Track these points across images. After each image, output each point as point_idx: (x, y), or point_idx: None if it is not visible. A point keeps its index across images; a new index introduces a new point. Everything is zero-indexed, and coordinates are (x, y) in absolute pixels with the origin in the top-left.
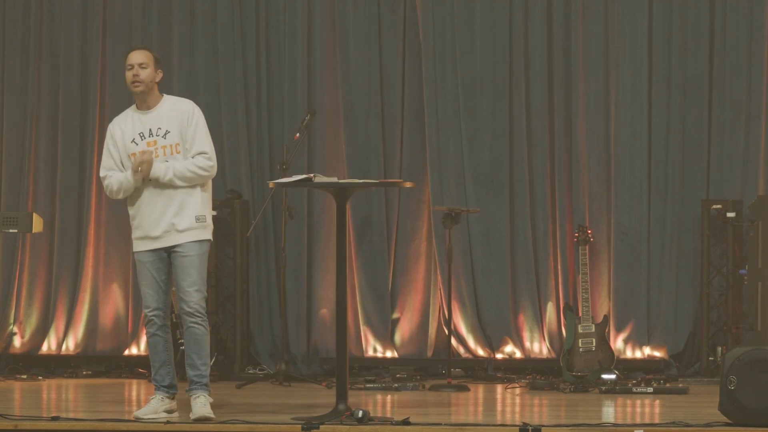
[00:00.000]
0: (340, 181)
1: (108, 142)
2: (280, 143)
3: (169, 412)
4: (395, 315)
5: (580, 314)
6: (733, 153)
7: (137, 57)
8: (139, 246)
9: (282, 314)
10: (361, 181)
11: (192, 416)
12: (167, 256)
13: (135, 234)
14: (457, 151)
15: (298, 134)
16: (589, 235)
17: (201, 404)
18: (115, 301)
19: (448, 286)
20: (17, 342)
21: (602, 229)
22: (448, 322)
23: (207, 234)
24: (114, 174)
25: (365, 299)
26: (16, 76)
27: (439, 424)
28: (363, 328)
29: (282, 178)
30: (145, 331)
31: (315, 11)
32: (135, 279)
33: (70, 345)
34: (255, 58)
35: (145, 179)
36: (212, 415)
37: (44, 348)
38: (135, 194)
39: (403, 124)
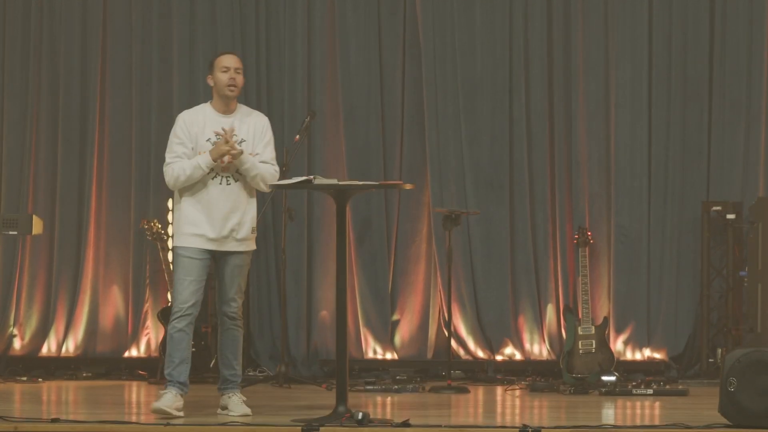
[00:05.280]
0: (340, 183)
1: (179, 131)
2: (280, 145)
3: (178, 410)
4: (395, 317)
5: (580, 316)
6: (733, 154)
7: (234, 61)
8: (191, 242)
9: (282, 316)
10: (361, 183)
11: (233, 413)
12: (213, 258)
13: (188, 229)
14: (457, 152)
15: (298, 136)
16: (589, 237)
17: (238, 402)
18: (115, 303)
19: (448, 288)
20: (17, 344)
21: (602, 230)
22: (448, 323)
23: (254, 244)
24: (180, 161)
25: (365, 301)
26: (16, 77)
27: (439, 426)
28: (363, 330)
29: (282, 180)
30: (167, 327)
31: (315, 13)
32: (135, 280)
33: (70, 347)
34: (255, 59)
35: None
36: (250, 412)
37: (44, 350)
38: (202, 191)
39: (403, 126)
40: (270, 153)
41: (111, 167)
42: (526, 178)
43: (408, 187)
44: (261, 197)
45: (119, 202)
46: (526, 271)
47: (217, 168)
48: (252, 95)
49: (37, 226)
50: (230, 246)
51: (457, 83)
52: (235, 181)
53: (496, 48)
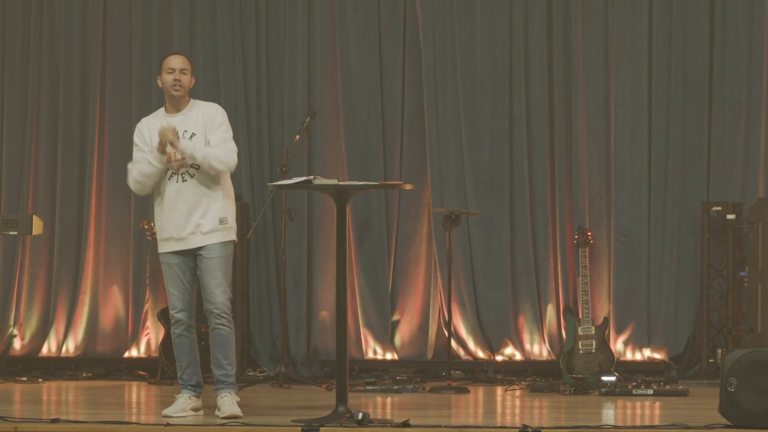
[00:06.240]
0: (340, 183)
1: (135, 138)
2: (280, 145)
3: (195, 410)
4: (395, 317)
5: (580, 316)
6: (733, 155)
7: (179, 62)
8: (164, 247)
9: (282, 316)
10: (361, 183)
11: (221, 414)
12: (193, 258)
13: (161, 235)
14: (457, 153)
15: (298, 136)
16: (589, 237)
17: (229, 403)
18: (115, 303)
19: (448, 288)
20: (17, 344)
21: (602, 231)
22: (448, 324)
23: (231, 235)
24: (136, 164)
25: (365, 301)
26: (16, 78)
27: (439, 426)
28: (363, 330)
29: (282, 180)
30: (171, 332)
31: (315, 13)
32: (135, 281)
33: (70, 347)
34: (255, 60)
35: (172, 152)
36: (240, 414)
37: (44, 350)
38: (163, 194)
39: (403, 126)
40: (220, 135)
41: (111, 167)
42: (526, 178)
43: (408, 187)
44: (261, 198)
45: (119, 202)
46: (526, 271)
47: (173, 167)
48: (252, 95)
49: (37, 226)
50: (198, 241)
51: (457, 83)
52: (191, 177)
53: (496, 48)
